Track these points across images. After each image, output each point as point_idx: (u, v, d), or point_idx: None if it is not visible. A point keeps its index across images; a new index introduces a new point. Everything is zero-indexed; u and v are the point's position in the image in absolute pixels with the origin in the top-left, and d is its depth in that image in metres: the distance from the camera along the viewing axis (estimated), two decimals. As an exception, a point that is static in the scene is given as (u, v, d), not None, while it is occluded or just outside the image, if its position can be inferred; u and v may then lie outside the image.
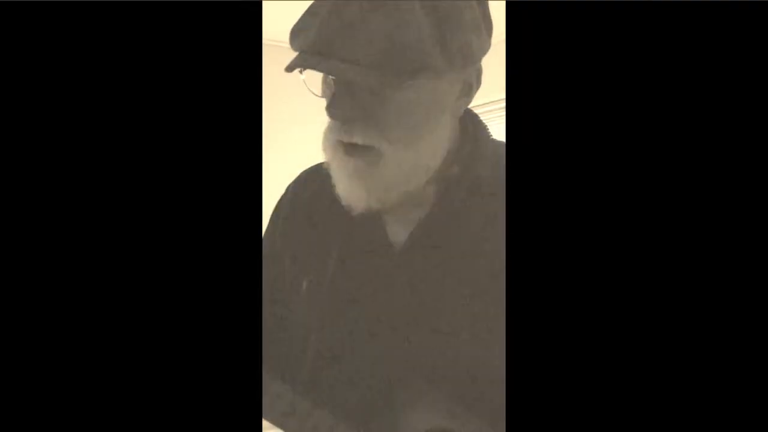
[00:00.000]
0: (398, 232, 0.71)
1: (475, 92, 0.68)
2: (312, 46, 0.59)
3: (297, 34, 0.63)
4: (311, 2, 0.63)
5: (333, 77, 0.63)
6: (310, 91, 0.67)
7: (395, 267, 0.69)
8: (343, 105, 0.62)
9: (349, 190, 0.67)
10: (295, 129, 3.34)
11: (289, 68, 0.61)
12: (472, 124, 0.74)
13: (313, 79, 0.66)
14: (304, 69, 0.61)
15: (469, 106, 0.73)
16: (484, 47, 0.66)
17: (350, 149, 0.64)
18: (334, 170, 0.67)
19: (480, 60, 0.66)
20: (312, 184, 0.80)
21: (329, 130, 0.66)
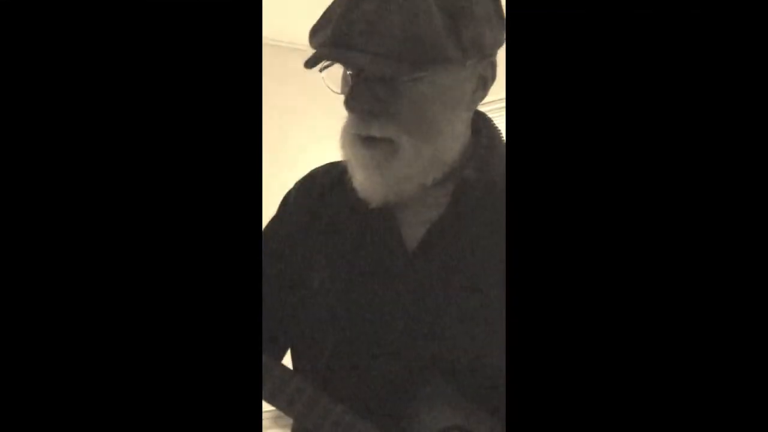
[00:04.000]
0: (412, 233, 0.71)
1: (491, 85, 0.69)
2: (329, 39, 0.61)
3: (315, 32, 0.64)
4: (313, 2, 0.63)
5: (351, 72, 0.65)
6: (329, 88, 0.68)
7: (408, 267, 0.70)
8: (360, 99, 0.63)
9: (366, 182, 0.67)
10: (295, 129, 3.34)
11: (308, 63, 0.62)
12: (484, 126, 0.74)
13: (332, 75, 0.67)
14: (322, 62, 0.62)
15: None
16: (498, 40, 0.67)
17: (368, 142, 0.65)
18: (352, 163, 0.68)
19: (494, 53, 0.67)
20: (322, 181, 0.79)
21: (347, 124, 0.66)
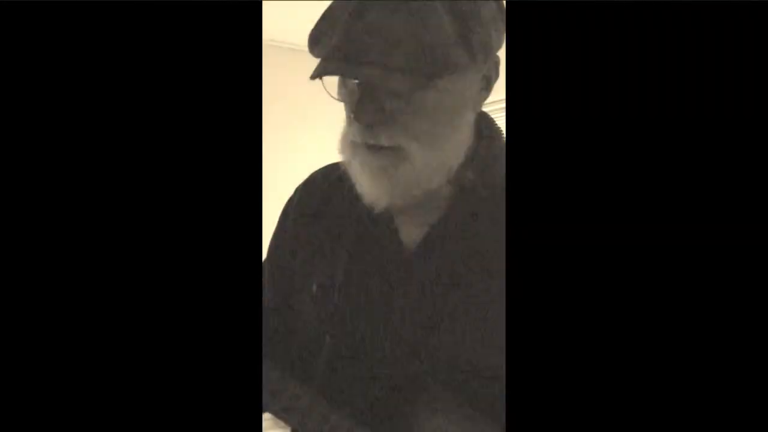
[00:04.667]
0: (410, 234, 0.70)
1: (494, 84, 0.68)
2: (337, 50, 0.59)
3: (317, 39, 0.62)
4: (313, 3, 0.62)
5: (356, 81, 0.63)
6: (329, 94, 0.66)
7: (407, 269, 0.69)
8: (368, 108, 0.61)
9: (372, 188, 0.66)
10: (295, 130, 3.34)
11: (315, 75, 0.60)
12: (486, 126, 0.73)
13: (330, 80, 0.65)
14: (330, 76, 0.60)
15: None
16: (501, 40, 0.66)
17: (375, 149, 0.63)
18: (356, 169, 0.66)
19: (496, 53, 0.66)
20: (322, 184, 0.79)
21: (351, 132, 0.65)
